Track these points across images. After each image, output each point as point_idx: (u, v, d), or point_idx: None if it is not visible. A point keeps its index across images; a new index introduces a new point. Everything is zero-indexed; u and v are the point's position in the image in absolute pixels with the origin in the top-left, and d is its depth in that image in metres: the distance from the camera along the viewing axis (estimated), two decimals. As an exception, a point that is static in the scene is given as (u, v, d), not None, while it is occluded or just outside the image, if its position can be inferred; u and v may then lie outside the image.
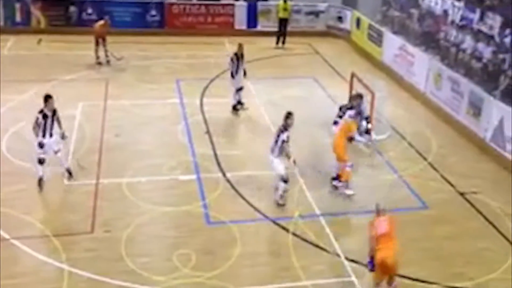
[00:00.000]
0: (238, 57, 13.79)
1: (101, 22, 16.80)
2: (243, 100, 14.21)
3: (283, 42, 19.89)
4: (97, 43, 16.63)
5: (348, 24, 21.15)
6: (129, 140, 12.29)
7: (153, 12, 20.60)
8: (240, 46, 13.87)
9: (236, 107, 14.05)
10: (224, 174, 11.04)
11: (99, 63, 16.80)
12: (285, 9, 19.77)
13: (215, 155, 11.80)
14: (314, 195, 10.49)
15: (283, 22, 19.77)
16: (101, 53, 16.85)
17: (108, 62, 16.90)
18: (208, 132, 12.86)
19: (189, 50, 18.72)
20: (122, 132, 12.60)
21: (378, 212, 7.94)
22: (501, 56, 13.56)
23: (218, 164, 11.44)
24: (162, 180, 10.77)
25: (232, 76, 13.81)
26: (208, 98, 14.90)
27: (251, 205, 10.06)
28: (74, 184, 10.45)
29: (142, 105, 14.19)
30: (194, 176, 10.94)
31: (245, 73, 13.96)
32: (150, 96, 14.83)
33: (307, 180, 10.97)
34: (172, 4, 20.85)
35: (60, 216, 9.47)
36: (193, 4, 21.12)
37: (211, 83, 15.94)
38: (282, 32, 19.81)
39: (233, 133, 12.94)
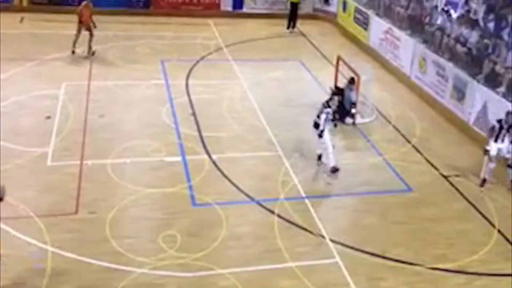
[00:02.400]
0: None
1: (83, 3, 15.94)
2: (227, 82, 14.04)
3: (293, 26, 19.71)
4: (79, 30, 15.68)
5: (334, 7, 21.07)
6: (113, 121, 12.17)
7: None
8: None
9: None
10: (209, 156, 11.02)
11: (73, 52, 15.73)
12: None
13: (201, 136, 11.75)
14: (299, 177, 10.52)
15: (293, 7, 19.61)
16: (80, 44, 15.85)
17: (93, 53, 15.85)
18: (193, 113, 12.79)
19: (174, 31, 18.50)
20: (106, 113, 12.46)
21: None
22: (485, 41, 13.63)
23: (204, 145, 11.40)
24: (147, 161, 10.71)
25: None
26: (193, 79, 14.79)
27: (237, 187, 10.06)
28: (58, 165, 10.34)
29: (127, 86, 14.04)
30: (179, 158, 10.90)
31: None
32: (135, 77, 14.67)
33: (292, 162, 10.99)
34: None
35: (44, 197, 9.37)
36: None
37: (197, 65, 15.81)
38: (293, 16, 19.62)
39: (219, 114, 12.88)
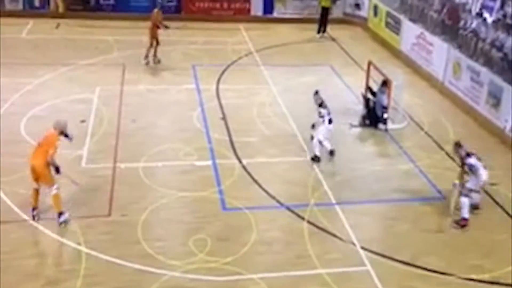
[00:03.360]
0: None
1: (155, 10, 15.68)
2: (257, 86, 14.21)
3: (324, 31, 19.69)
4: (151, 43, 15.62)
5: (365, 11, 20.92)
6: (145, 125, 12.34)
7: (170, -3, 20.55)
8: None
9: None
10: (239, 160, 11.06)
11: (148, 63, 15.79)
12: None
13: (231, 141, 11.81)
14: (329, 183, 10.47)
15: (324, 11, 19.55)
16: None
17: (159, 61, 15.91)
18: (224, 118, 12.87)
19: (205, 36, 18.68)
20: (138, 117, 12.65)
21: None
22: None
23: (234, 150, 11.46)
24: (178, 165, 10.82)
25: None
26: (224, 84, 14.88)
27: (267, 192, 10.07)
28: (92, 167, 10.54)
29: (159, 90, 14.23)
30: (210, 162, 10.98)
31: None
32: (167, 81, 14.87)
33: (322, 168, 10.94)
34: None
35: (78, 198, 9.55)
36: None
37: (227, 69, 15.91)
38: (323, 21, 19.59)
39: (249, 119, 12.93)
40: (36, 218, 8.87)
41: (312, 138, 11.43)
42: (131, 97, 13.66)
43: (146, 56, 15.77)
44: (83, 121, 12.15)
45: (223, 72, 15.64)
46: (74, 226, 8.81)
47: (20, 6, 19.67)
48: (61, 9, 19.96)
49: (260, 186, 10.26)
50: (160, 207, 9.48)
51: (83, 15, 19.67)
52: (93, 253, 8.25)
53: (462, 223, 9.38)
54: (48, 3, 19.88)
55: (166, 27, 15.71)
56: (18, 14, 19.06)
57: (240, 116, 13.05)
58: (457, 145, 9.63)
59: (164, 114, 12.96)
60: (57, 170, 8.74)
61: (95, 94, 13.62)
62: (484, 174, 9.40)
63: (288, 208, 9.65)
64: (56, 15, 19.54)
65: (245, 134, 12.17)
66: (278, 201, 9.83)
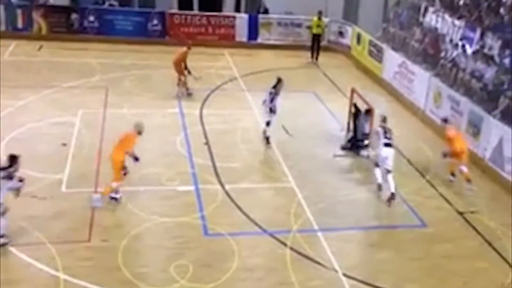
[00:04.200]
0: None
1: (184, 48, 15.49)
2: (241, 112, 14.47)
3: (317, 57, 20.04)
4: (179, 78, 15.34)
5: (348, 39, 21.27)
6: (128, 149, 12.21)
7: (155, 22, 20.65)
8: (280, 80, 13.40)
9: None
10: (222, 186, 11.01)
11: (189, 94, 15.56)
12: (318, 26, 19.97)
13: (214, 166, 11.78)
14: (312, 209, 10.46)
15: (316, 38, 19.99)
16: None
17: (189, 94, 15.57)
18: (207, 143, 12.84)
19: (189, 61, 18.71)
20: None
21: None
22: (501, 76, 13.64)
23: (217, 175, 11.41)
24: (160, 190, 10.73)
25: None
26: (208, 109, 14.90)
27: (249, 218, 10.02)
28: (72, 191, 10.38)
29: (142, 114, 14.09)
30: (192, 187, 10.91)
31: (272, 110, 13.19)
32: (150, 105, 14.82)
33: (305, 194, 10.95)
34: (173, 14, 20.94)
35: (57, 223, 9.38)
36: (194, 15, 21.23)
37: (211, 94, 15.95)
38: (316, 47, 20.00)
39: (232, 144, 12.93)
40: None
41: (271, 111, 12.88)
42: (114, 121, 13.58)
43: (187, 89, 15.53)
44: (64, 145, 12.02)
45: (207, 97, 15.68)
46: (52, 252, 8.62)
47: (2, 27, 19.59)
48: (44, 31, 19.92)
49: (243, 212, 10.21)
50: (141, 233, 9.36)
51: (67, 38, 19.63)
52: (72, 279, 8.08)
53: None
54: (31, 25, 19.83)
55: (189, 72, 15.38)
56: (0, 35, 18.94)
57: (223, 141, 13.05)
58: (383, 120, 11.53)
59: (147, 138, 12.78)
60: (136, 159, 10.14)
61: (77, 117, 13.52)
62: (383, 151, 10.97)
63: (271, 235, 9.59)
64: (39, 37, 19.49)
65: (228, 159, 12.15)
66: (260, 227, 9.78)
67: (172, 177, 11.20)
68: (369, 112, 12.89)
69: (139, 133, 10.31)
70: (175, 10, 21.22)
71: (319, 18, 20.00)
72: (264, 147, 12.91)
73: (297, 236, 9.58)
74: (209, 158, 12.15)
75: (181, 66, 15.36)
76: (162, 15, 20.72)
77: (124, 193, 10.37)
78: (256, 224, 9.86)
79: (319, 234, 9.74)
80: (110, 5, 20.87)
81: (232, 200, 10.55)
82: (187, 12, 21.30)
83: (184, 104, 15.05)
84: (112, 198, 10.13)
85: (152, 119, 13.89)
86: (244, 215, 10.12)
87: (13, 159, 8.64)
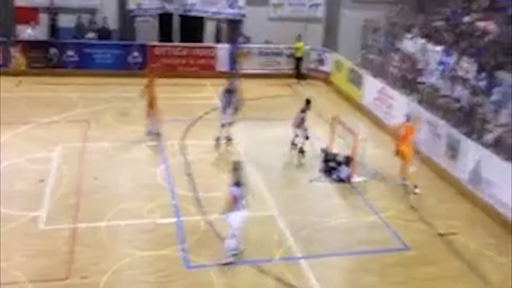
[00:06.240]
0: (229, 92, 14.34)
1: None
2: (232, 136, 14.63)
3: (301, 78, 21.25)
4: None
5: (328, 66, 21.54)
6: (108, 183, 12.12)
7: (135, 54, 20.75)
8: (231, 81, 14.40)
9: (219, 141, 14.37)
10: (205, 217, 10.91)
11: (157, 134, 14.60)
12: (298, 49, 21.24)
13: (196, 197, 11.69)
14: (295, 237, 10.40)
15: (298, 61, 21.30)
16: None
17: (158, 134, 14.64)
18: (189, 173, 12.78)
19: (170, 92, 18.79)
20: (101, 174, 12.43)
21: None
22: (476, 99, 13.86)
23: (199, 206, 11.32)
24: (141, 223, 10.59)
25: (223, 110, 14.36)
26: (189, 139, 14.88)
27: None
28: (50, 228, 10.21)
29: (122, 147, 14.09)
30: (174, 219, 10.80)
31: (236, 109, 14.46)
32: (131, 138, 14.72)
33: (287, 222, 10.88)
34: (154, 46, 21.05)
35: (36, 261, 9.19)
36: (175, 46, 21.37)
37: (193, 125, 15.95)
38: (298, 69, 21.30)
39: (215, 174, 12.88)
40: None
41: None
42: (93, 155, 13.48)
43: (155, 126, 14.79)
44: (42, 181, 11.86)
45: (188, 128, 15.67)
46: (29, 291, 8.43)
47: (-21, 64, 19.50)
48: (22, 66, 19.84)
49: (225, 242, 10.08)
50: (122, 268, 9.19)
51: (46, 72, 19.56)
52: (49, 319, 7.88)
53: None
54: (9, 60, 19.71)
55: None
56: (-22, 72, 18.83)
57: (205, 171, 12.99)
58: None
59: (128, 171, 12.78)
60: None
61: (56, 152, 13.39)
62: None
63: (254, 264, 9.48)
64: (17, 73, 19.35)
65: (211, 189, 12.05)
66: (243, 257, 9.66)
67: (153, 209, 11.08)
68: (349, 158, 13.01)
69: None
70: (155, 42, 21.34)
71: (299, 41, 20.94)
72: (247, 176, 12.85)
73: (280, 264, 9.48)
74: (191, 188, 12.06)
75: (148, 97, 14.72)
76: (142, 47, 20.83)
77: (103, 228, 10.22)
78: (238, 254, 9.74)
79: (302, 261, 9.66)
80: (89, 38, 20.90)
81: (214, 231, 10.44)
82: (168, 43, 21.44)
83: (165, 135, 14.98)
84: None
85: (133, 152, 13.88)
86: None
87: None
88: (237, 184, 9.36)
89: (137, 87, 17.57)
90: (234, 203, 9.29)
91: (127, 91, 18.34)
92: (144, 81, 15.15)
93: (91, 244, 9.78)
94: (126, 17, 21.56)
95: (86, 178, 12.22)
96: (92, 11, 21.28)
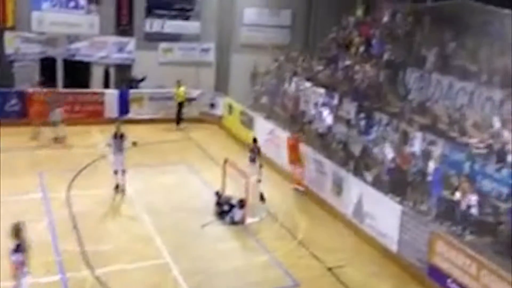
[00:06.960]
0: (117, 137, 14.10)
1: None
2: (110, 191, 14.06)
3: (180, 122, 21.03)
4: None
5: (220, 110, 21.84)
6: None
7: (13, 101, 19.57)
8: (118, 126, 14.21)
9: (119, 188, 14.12)
10: (92, 271, 10.36)
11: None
12: (178, 94, 21.02)
13: (83, 251, 11.10)
14: (190, 283, 10.20)
15: (179, 106, 21.05)
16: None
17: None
18: (75, 226, 12.14)
19: (54, 141, 17.95)
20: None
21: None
22: (358, 138, 14.73)
23: (86, 261, 10.74)
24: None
25: (114, 156, 14.24)
26: (75, 190, 14.20)
27: (122, 303, 9.47)
28: None
29: (1, 202, 13.07)
30: (58, 276, 10.15)
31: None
32: (9, 191, 13.65)
33: (182, 268, 10.66)
34: (34, 92, 19.76)
35: None
36: (59, 93, 20.39)
37: (79, 174, 15.29)
38: (179, 114, 21.09)
39: (102, 226, 12.35)
40: None
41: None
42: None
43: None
44: None
45: (74, 178, 14.97)
46: None
47: None
48: None
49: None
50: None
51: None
52: None
53: None
54: None
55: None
56: None
57: (93, 223, 12.42)
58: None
59: (5, 227, 11.81)
60: None
61: None
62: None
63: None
64: None
65: (98, 241, 11.53)
66: (134, 311, 9.27)
67: (35, 267, 10.26)
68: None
69: None
70: (36, 89, 20.13)
71: (179, 87, 20.85)
72: (137, 225, 12.50)
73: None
74: (77, 243, 11.44)
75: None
76: (21, 94, 19.65)
77: (-24, 293, 9.32)
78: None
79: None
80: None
81: (102, 286, 9.92)
82: (50, 89, 20.32)
83: (48, 187, 14.18)
84: None
85: (12, 207, 12.87)
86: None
87: None
88: (18, 249, 8.45)
89: (15, 136, 16.65)
90: (18, 271, 8.46)
91: (4, 141, 16.86)
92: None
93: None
94: (3, 62, 20.42)
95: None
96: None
